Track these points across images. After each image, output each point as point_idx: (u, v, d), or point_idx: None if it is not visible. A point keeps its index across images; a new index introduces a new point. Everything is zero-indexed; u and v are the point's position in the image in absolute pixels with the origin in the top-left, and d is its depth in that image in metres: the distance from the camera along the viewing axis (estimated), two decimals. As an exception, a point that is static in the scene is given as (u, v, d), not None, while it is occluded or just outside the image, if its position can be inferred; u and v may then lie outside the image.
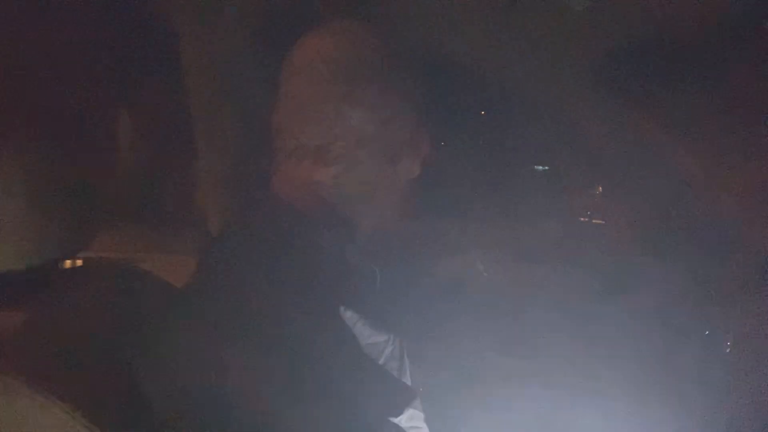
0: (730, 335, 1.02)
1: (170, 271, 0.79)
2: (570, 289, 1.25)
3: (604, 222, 1.33)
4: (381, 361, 0.68)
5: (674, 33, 0.97)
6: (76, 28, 0.75)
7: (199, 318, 0.63)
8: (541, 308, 1.17)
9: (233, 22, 0.94)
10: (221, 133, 0.96)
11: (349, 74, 0.73)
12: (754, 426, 0.93)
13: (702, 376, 1.04)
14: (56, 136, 0.69)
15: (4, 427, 0.59)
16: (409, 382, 0.71)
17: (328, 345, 0.62)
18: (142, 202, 0.96)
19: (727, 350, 1.02)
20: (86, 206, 0.74)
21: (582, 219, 1.34)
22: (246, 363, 0.59)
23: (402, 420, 0.63)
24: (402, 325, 0.77)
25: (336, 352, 0.62)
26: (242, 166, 0.87)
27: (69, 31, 0.74)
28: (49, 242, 0.68)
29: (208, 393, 0.58)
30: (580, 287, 1.26)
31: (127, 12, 0.84)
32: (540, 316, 1.17)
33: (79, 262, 0.84)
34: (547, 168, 1.40)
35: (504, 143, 1.35)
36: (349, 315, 0.66)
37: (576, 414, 0.98)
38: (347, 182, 0.73)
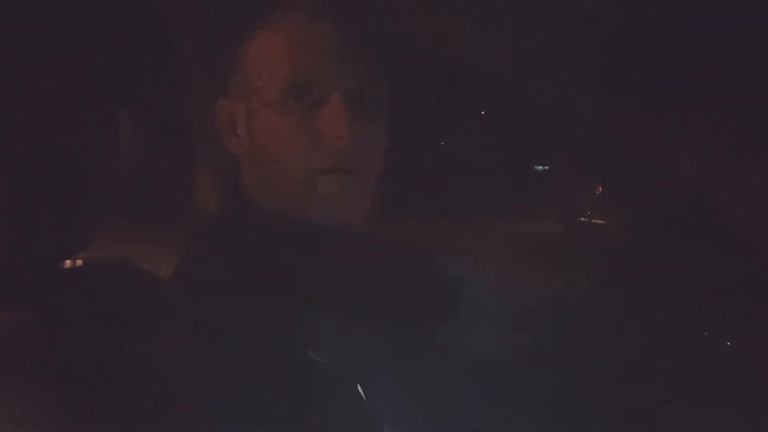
0: (730, 335, 1.02)
1: (170, 271, 0.79)
2: (569, 289, 1.25)
3: (604, 222, 1.33)
4: (355, 357, 0.68)
5: (675, 32, 0.97)
6: (75, 28, 0.75)
7: (186, 317, 0.64)
8: (539, 307, 1.17)
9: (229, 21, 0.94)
10: (217, 134, 0.96)
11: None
12: (754, 426, 0.93)
13: (701, 375, 1.04)
14: (56, 136, 0.69)
15: (5, 427, 0.59)
16: (389, 378, 0.70)
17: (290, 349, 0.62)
18: (141, 202, 0.96)
19: (728, 345, 1.02)
20: (86, 206, 0.74)
21: (582, 219, 1.34)
22: (220, 362, 0.59)
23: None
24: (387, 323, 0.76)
25: (299, 356, 0.62)
26: (226, 166, 0.86)
27: (68, 29, 0.74)
28: (49, 242, 0.68)
29: (205, 390, 0.58)
30: (579, 287, 1.26)
31: (126, 12, 0.84)
32: (538, 315, 1.17)
33: (79, 262, 0.84)
34: (547, 168, 1.40)
35: (504, 143, 1.34)
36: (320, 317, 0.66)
37: (574, 413, 0.98)
38: None
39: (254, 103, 0.73)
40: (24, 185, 0.65)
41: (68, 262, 0.82)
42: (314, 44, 0.72)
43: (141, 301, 0.76)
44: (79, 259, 0.84)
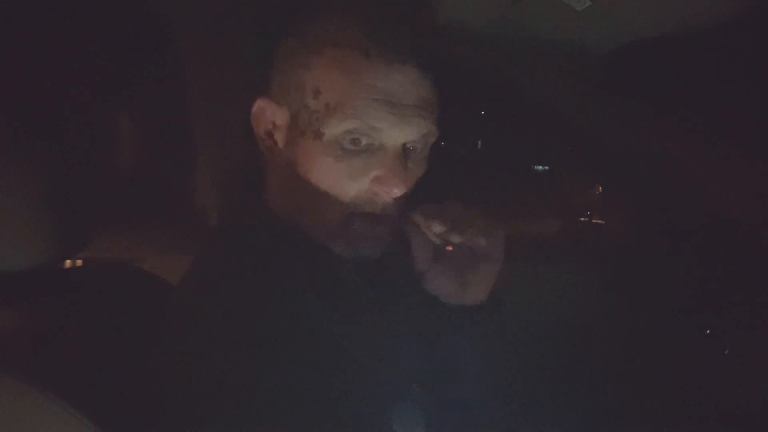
0: (729, 336, 1.03)
1: (170, 271, 0.79)
2: (569, 289, 1.25)
3: (604, 222, 1.33)
4: (360, 359, 0.68)
5: (674, 32, 0.97)
6: (75, 29, 0.75)
7: (194, 318, 0.64)
8: (539, 308, 1.17)
9: (230, 22, 0.94)
10: (220, 134, 0.96)
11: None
12: (753, 426, 0.93)
13: (701, 377, 1.04)
14: (56, 137, 0.69)
15: (5, 427, 0.59)
16: (394, 379, 0.71)
17: (305, 346, 0.62)
18: (142, 202, 0.96)
19: (726, 352, 1.02)
20: (86, 206, 0.74)
21: (582, 219, 1.34)
22: (234, 363, 0.59)
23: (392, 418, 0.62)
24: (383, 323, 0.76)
25: (313, 353, 0.62)
26: (237, 167, 0.86)
27: (68, 32, 0.74)
28: (49, 242, 0.68)
29: (207, 391, 0.58)
30: (579, 287, 1.26)
31: (125, 12, 0.84)
32: (537, 315, 1.17)
33: (79, 262, 0.84)
34: (547, 168, 1.40)
35: (504, 143, 1.34)
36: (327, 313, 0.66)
37: (574, 412, 0.98)
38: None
39: (302, 121, 0.69)
40: (26, 185, 0.66)
41: (68, 262, 0.82)
42: (386, 90, 0.65)
43: (142, 302, 0.77)
44: (80, 259, 0.85)
